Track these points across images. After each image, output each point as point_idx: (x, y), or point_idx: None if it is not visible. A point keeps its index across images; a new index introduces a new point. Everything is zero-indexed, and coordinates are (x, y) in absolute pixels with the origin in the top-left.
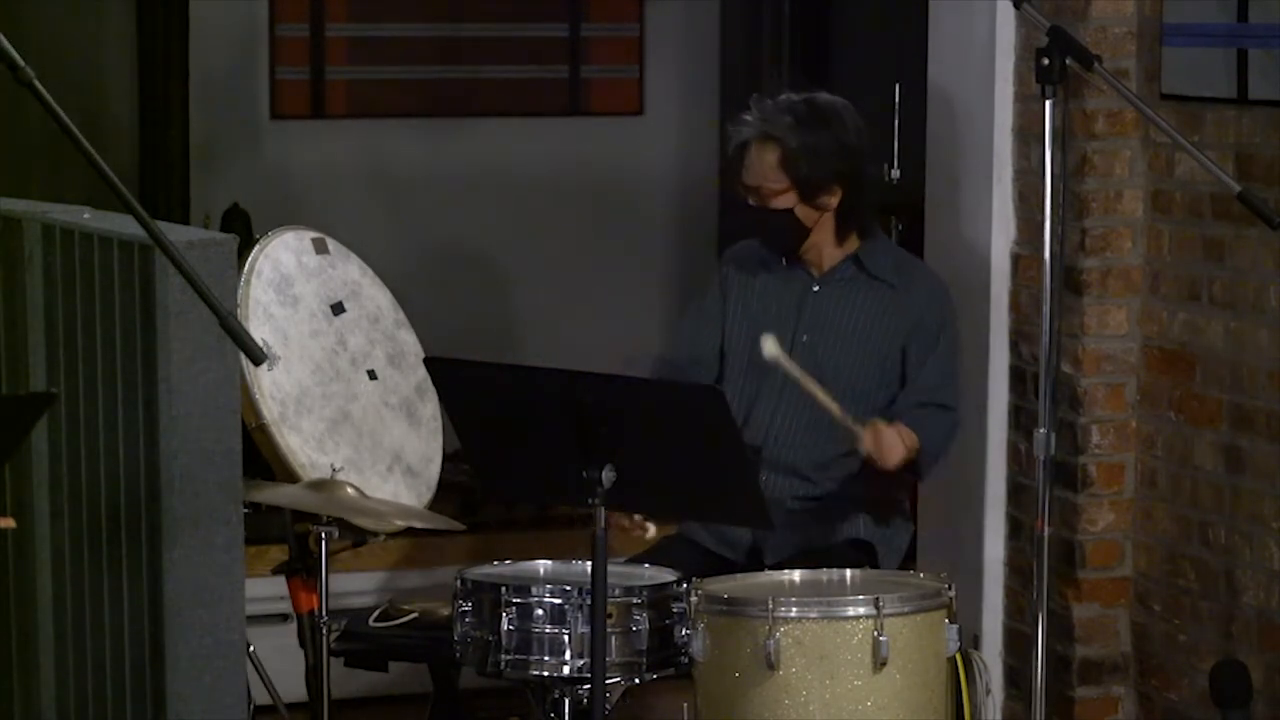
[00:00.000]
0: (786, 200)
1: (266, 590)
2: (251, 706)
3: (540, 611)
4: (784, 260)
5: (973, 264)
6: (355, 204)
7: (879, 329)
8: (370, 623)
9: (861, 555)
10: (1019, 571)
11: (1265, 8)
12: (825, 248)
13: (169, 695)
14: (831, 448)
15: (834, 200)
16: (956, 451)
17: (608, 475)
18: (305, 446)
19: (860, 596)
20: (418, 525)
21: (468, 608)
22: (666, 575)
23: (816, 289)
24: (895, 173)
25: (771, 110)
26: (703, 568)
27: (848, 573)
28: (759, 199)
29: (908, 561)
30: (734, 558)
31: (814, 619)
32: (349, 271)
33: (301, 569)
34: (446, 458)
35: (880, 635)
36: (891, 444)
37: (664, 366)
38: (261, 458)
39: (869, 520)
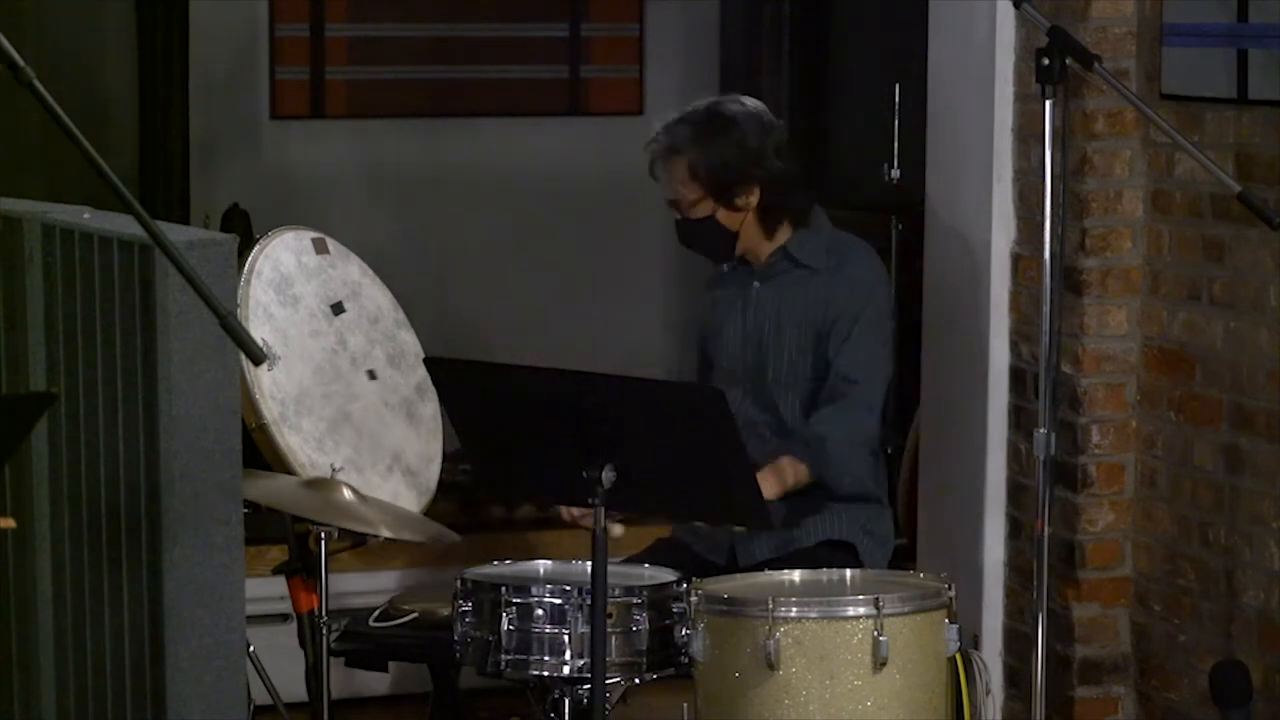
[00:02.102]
0: (705, 208)
1: (266, 590)
2: (251, 706)
3: (540, 611)
4: (731, 263)
5: (973, 264)
6: (355, 204)
7: (808, 317)
8: (370, 623)
9: (842, 555)
10: (1019, 571)
11: (1265, 8)
12: (758, 244)
13: (169, 695)
14: (786, 443)
15: (753, 199)
16: (956, 452)
17: (608, 475)
18: (305, 446)
19: (860, 596)
20: (409, 538)
21: (468, 608)
22: (666, 575)
23: (756, 284)
24: (895, 173)
25: (674, 124)
26: (692, 572)
27: (847, 573)
28: (681, 211)
29: (908, 561)
30: (717, 561)
31: (814, 619)
32: (349, 271)
33: (301, 569)
34: (446, 458)
35: (880, 635)
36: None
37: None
38: (261, 458)
39: (843, 518)
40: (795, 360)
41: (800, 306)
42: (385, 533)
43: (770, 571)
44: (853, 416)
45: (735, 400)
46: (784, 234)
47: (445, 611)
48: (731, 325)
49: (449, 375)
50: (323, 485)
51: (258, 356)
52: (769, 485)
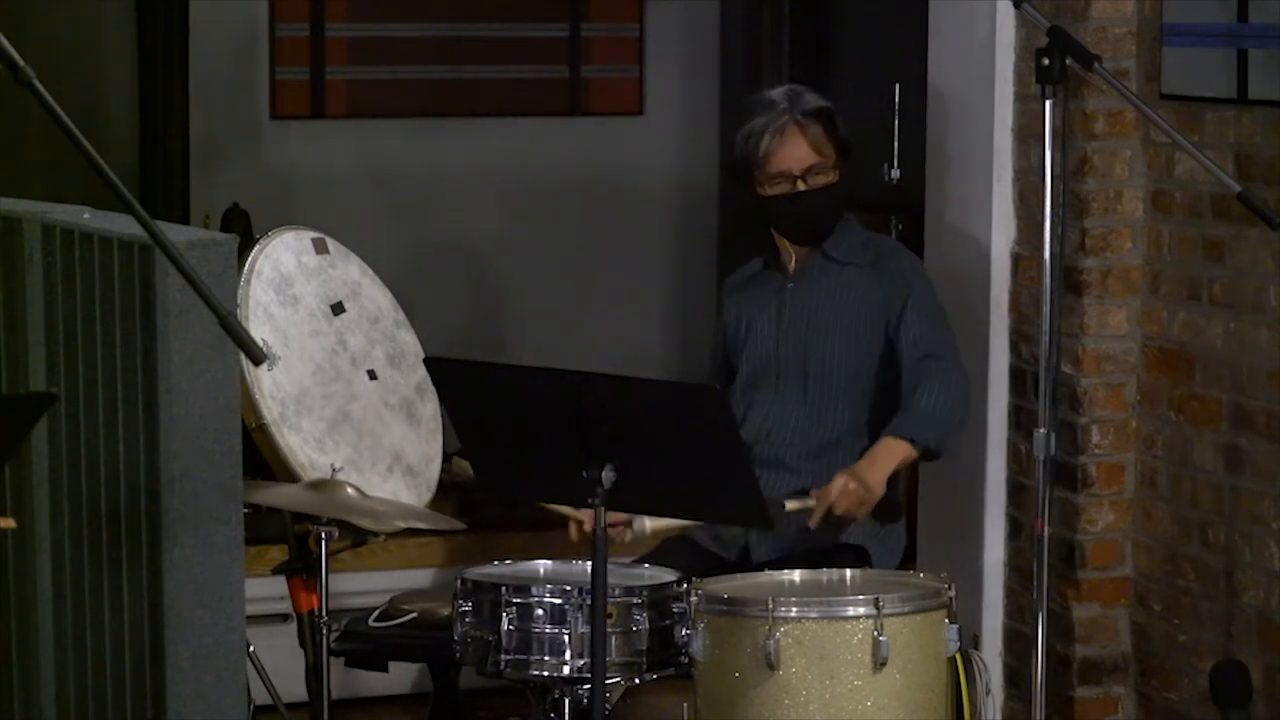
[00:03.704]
0: (832, 175)
1: (266, 590)
2: (251, 706)
3: (540, 611)
4: (763, 266)
5: (973, 264)
6: (355, 204)
7: (854, 310)
8: (370, 623)
9: (854, 559)
10: (1019, 571)
11: (1265, 8)
12: (793, 246)
13: (169, 695)
14: (820, 437)
15: (842, 170)
16: (956, 452)
17: (608, 475)
18: (305, 446)
19: (860, 596)
20: (418, 525)
21: (468, 608)
22: (666, 575)
23: (790, 286)
24: (895, 173)
25: (792, 96)
26: (699, 566)
27: (848, 573)
28: (805, 181)
29: (908, 561)
30: (727, 556)
31: (814, 619)
32: (349, 271)
33: (301, 569)
34: (446, 458)
35: (880, 635)
36: (853, 496)
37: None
38: (261, 458)
39: (864, 527)
40: (837, 356)
41: (842, 303)
42: (398, 524)
43: (770, 571)
44: (948, 383)
45: (766, 397)
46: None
47: (445, 611)
48: (762, 325)
49: (449, 375)
50: (326, 486)
51: (258, 356)
52: (876, 472)
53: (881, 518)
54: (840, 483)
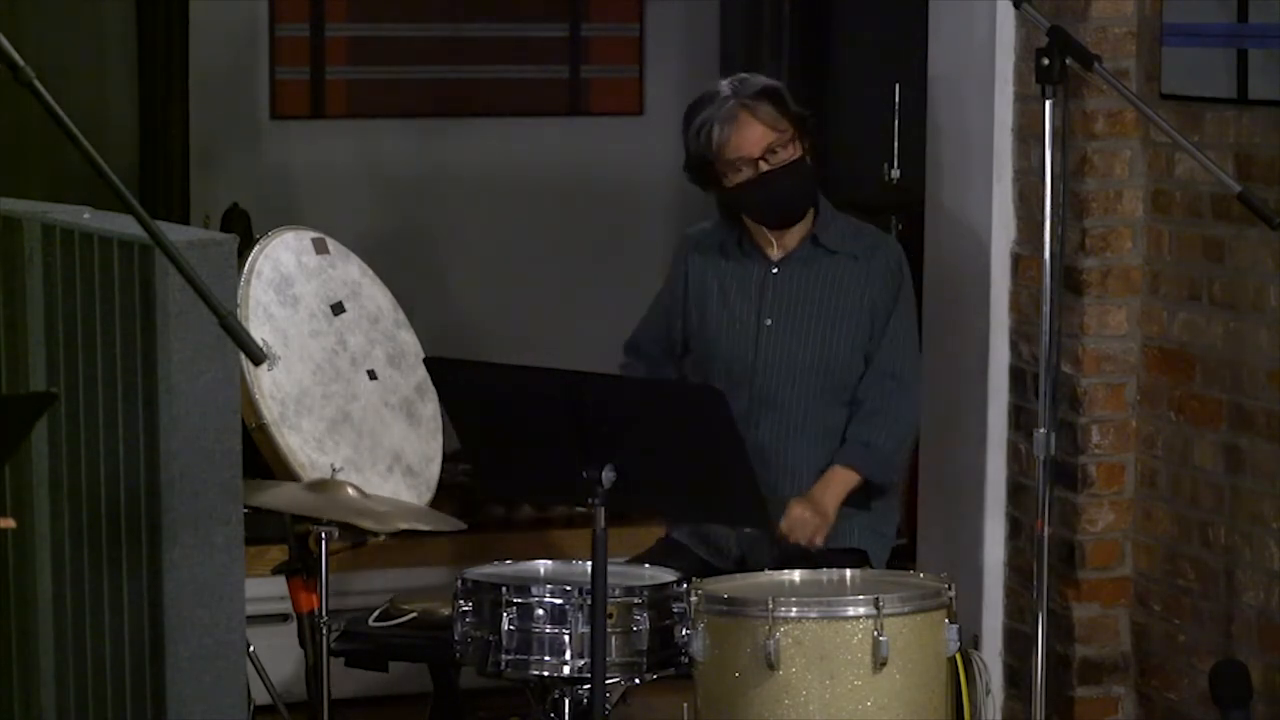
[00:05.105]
0: (795, 149)
1: (266, 590)
2: (251, 706)
3: (540, 611)
4: (739, 246)
5: (973, 264)
6: (355, 204)
7: (844, 300)
8: (370, 623)
9: (854, 562)
10: (1019, 571)
11: (1265, 8)
12: (776, 231)
13: (169, 695)
14: (814, 426)
15: (808, 144)
16: (956, 452)
17: (608, 475)
18: (305, 446)
19: (860, 596)
20: (418, 525)
21: (468, 608)
22: (666, 575)
23: (775, 271)
24: (895, 173)
25: (736, 84)
26: (694, 574)
27: (848, 573)
28: (769, 161)
29: (908, 561)
30: (722, 565)
31: (814, 619)
32: (349, 271)
33: (301, 569)
34: (446, 458)
35: (880, 635)
36: (809, 526)
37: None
38: (261, 458)
39: (854, 523)
40: (825, 343)
41: (832, 290)
42: (399, 525)
43: (770, 571)
44: (903, 417)
45: (746, 388)
46: (805, 224)
47: (445, 611)
48: (740, 309)
49: (449, 375)
50: (326, 486)
51: (258, 356)
52: (831, 499)
53: (863, 502)
54: (797, 512)
